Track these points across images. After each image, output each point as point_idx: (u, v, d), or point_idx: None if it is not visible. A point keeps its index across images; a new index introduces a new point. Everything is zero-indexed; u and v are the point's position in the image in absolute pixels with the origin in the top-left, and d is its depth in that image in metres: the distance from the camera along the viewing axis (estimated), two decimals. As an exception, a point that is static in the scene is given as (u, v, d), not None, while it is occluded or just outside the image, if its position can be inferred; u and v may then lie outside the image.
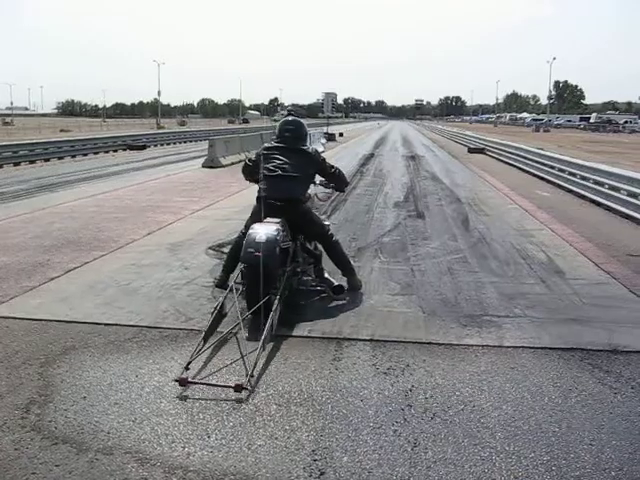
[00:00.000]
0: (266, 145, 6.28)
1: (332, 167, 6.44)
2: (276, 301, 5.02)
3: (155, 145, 38.30)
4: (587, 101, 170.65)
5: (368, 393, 4.00)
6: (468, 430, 3.56)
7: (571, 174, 15.59)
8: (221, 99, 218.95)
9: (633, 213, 11.09)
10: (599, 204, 12.85)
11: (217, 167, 20.05)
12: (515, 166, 22.30)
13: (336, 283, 6.08)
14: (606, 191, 12.77)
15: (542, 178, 18.03)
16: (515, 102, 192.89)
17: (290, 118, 6.48)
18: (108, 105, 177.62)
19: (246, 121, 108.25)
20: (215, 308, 5.07)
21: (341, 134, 50.12)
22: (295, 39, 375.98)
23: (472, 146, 34.05)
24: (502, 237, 9.22)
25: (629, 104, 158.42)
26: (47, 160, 25.09)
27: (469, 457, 3.27)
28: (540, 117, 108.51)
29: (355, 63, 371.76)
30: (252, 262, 5.04)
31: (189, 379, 4.06)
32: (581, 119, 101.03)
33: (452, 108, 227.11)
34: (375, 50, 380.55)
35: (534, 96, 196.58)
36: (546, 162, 18.47)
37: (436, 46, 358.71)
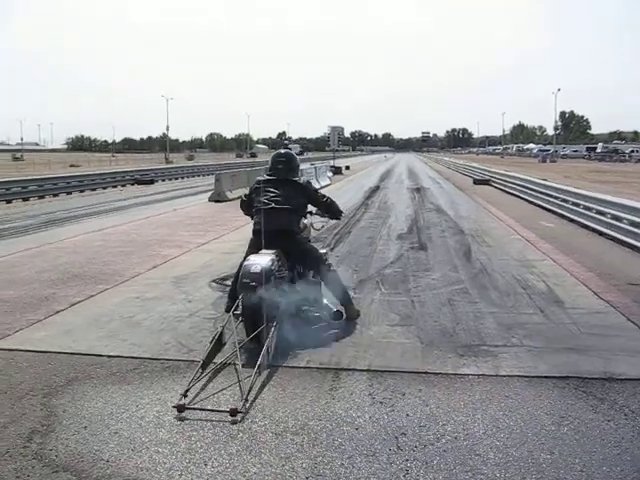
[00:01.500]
0: (258, 178, 6.51)
1: (324, 197, 6.71)
2: (273, 329, 5.19)
3: (163, 180, 38.71)
4: (593, 131, 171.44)
5: (363, 422, 4.08)
6: (460, 457, 3.62)
7: (574, 204, 15.68)
8: (229, 134, 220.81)
9: (635, 242, 11.14)
10: (602, 234, 12.90)
11: (223, 201, 20.27)
12: (520, 197, 22.41)
13: (335, 309, 6.25)
14: (609, 221, 12.83)
15: (546, 209, 18.11)
16: (522, 133, 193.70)
17: (282, 151, 6.87)
18: (117, 140, 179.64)
19: (254, 155, 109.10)
20: (213, 337, 5.22)
21: (347, 167, 50.45)
22: (302, 75, 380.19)
23: (477, 177, 34.25)
24: (503, 268, 9.29)
25: (635, 133, 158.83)
26: (56, 195, 25.41)
27: (460, 484, 3.34)
28: (547, 148, 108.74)
29: (362, 97, 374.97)
30: (248, 292, 5.24)
31: (186, 405, 4.17)
32: (587, 149, 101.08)
33: (459, 140, 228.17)
34: (381, 84, 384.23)
35: (540, 127, 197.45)
36: (550, 193, 18.59)
37: (441, 79, 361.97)
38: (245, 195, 6.74)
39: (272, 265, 5.47)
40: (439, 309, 6.95)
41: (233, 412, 4.08)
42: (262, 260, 5.49)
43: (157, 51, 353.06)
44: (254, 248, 5.94)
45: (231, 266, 8.84)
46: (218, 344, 5.23)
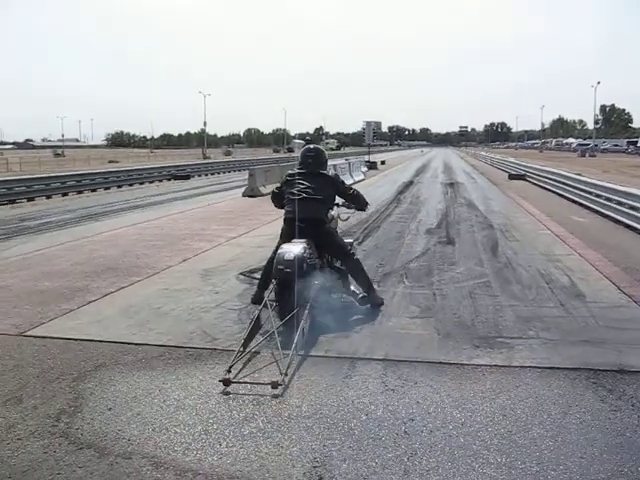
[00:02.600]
0: (289, 172, 6.99)
1: (350, 189, 7.10)
2: (306, 312, 5.61)
3: (199, 175, 39.20)
4: (636, 124, 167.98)
5: (374, 408, 4.24)
6: (464, 443, 3.76)
7: (607, 199, 15.61)
8: (267, 128, 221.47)
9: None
10: (634, 229, 12.84)
11: (257, 196, 20.53)
12: (554, 192, 22.29)
13: (361, 295, 6.68)
14: (640, 215, 12.78)
15: (580, 204, 18.04)
16: (561, 127, 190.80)
17: (311, 146, 7.23)
18: (156, 136, 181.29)
19: (291, 150, 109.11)
20: (252, 320, 5.55)
21: (383, 162, 50.50)
22: (339, 69, 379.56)
23: (513, 172, 34.08)
24: (529, 262, 9.34)
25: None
26: (94, 190, 25.99)
27: (461, 467, 3.48)
28: (586, 142, 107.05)
29: (400, 91, 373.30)
30: (283, 278, 5.71)
31: (231, 379, 4.62)
32: (628, 143, 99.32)
33: (497, 134, 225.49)
34: (420, 79, 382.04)
35: (581, 121, 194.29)
36: (583, 187, 18.51)
37: (482, 73, 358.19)
38: (277, 188, 7.10)
39: (304, 253, 5.88)
40: (460, 302, 7.06)
41: (274, 385, 4.50)
42: (295, 248, 5.93)
43: (198, 46, 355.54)
44: (286, 237, 6.40)
45: (259, 259, 9.08)
46: (256, 326, 5.58)
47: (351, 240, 7.60)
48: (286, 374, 4.68)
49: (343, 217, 7.69)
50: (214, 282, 7.97)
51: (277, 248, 6.24)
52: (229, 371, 4.72)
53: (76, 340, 5.65)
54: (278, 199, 7.02)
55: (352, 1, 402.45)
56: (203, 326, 6.09)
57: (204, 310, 6.67)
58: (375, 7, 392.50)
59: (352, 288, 6.78)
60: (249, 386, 4.60)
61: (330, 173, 7.08)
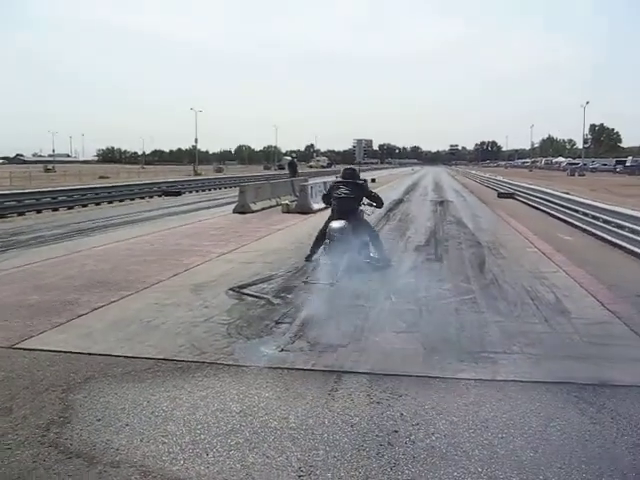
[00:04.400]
0: (334, 180, 11.86)
1: (372, 192, 10.83)
2: (346, 256, 9.09)
3: (190, 191, 39.23)
4: (624, 144, 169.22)
5: (359, 420, 4.33)
6: (447, 453, 3.85)
7: (594, 217, 15.77)
8: (258, 145, 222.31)
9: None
10: (619, 247, 12.97)
11: (247, 212, 20.59)
12: (542, 210, 22.47)
13: (378, 256, 10.50)
14: (626, 234, 12.91)
15: (567, 222, 18.19)
16: (551, 146, 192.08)
17: (349, 166, 12.92)
18: (147, 152, 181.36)
19: (282, 167, 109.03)
20: (312, 255, 10.48)
21: (373, 180, 50.56)
22: (331, 87, 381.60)
23: (502, 191, 34.32)
24: (515, 279, 9.45)
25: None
26: (85, 206, 25.97)
27: (442, 477, 3.57)
28: (576, 161, 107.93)
29: (391, 110, 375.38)
30: (334, 239, 9.08)
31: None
32: (616, 162, 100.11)
33: (488, 153, 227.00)
34: (411, 96, 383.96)
35: (570, 140, 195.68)
36: (570, 206, 18.68)
37: (472, 92, 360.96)
38: (327, 191, 10.91)
39: (345, 225, 9.40)
40: (446, 318, 7.15)
41: (331, 284, 8.38)
42: (340, 223, 9.45)
43: (188, 63, 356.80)
44: (331, 220, 9.86)
45: (249, 275, 9.24)
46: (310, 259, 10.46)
47: (373, 225, 11.97)
48: (337, 280, 8.53)
49: (367, 211, 10.90)
50: (204, 297, 8.04)
51: (324, 227, 9.95)
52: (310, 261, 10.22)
53: (65, 353, 5.71)
54: (327, 199, 10.75)
55: (341, 20, 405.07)
56: (192, 340, 6.16)
57: (193, 324, 6.74)
58: (365, 25, 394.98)
59: (371, 253, 10.47)
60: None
61: (359, 181, 10.82)
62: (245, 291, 8.38)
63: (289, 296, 8.12)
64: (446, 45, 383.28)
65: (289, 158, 56.06)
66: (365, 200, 10.51)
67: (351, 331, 6.51)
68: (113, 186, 33.56)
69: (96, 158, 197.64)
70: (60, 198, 25.52)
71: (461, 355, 5.79)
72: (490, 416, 4.43)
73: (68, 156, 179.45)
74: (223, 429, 4.16)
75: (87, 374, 5.19)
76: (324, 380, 5.12)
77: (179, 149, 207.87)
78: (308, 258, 10.52)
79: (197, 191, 40.63)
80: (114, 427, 4.15)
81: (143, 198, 31.66)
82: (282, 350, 5.88)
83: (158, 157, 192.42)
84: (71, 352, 5.72)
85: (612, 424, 4.35)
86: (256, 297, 8.06)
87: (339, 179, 10.77)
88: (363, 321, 6.93)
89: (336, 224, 9.39)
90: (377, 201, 10.67)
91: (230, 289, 8.51)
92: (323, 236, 9.66)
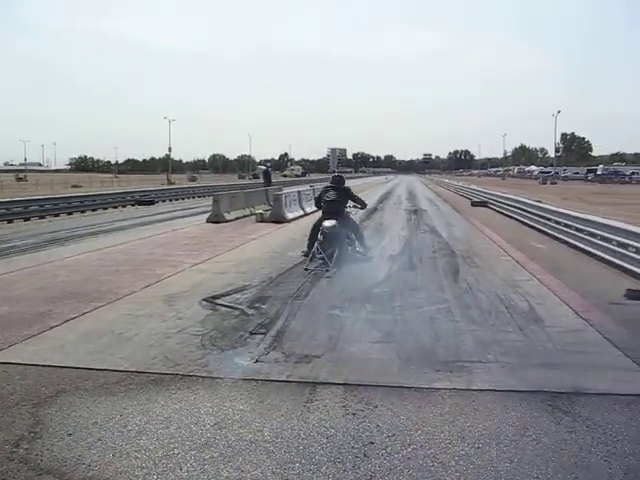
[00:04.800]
0: (324, 186, 13.47)
1: (356, 195, 13.11)
2: (337, 249, 11.33)
3: (164, 201, 38.93)
4: (595, 153, 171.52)
5: (334, 432, 4.30)
6: (423, 465, 3.84)
7: (567, 226, 15.91)
8: (232, 154, 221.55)
9: (622, 263, 11.34)
10: (592, 255, 13.08)
11: (221, 222, 20.47)
12: (515, 218, 22.63)
13: (362, 250, 12.57)
14: (598, 242, 13.02)
15: (540, 230, 18.32)
16: (523, 155, 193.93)
17: (336, 173, 17.38)
18: (120, 161, 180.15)
19: (256, 176, 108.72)
20: (310, 251, 11.76)
21: (348, 188, 50.57)
22: (305, 96, 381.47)
23: (475, 199, 34.57)
24: (489, 288, 9.49)
25: (636, 155, 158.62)
26: (57, 215, 25.64)
27: (419, 488, 3.55)
28: (547, 169, 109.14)
29: (365, 118, 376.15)
30: (327, 233, 11.43)
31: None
32: (588, 171, 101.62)
33: (461, 162, 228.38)
34: (384, 105, 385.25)
35: (542, 149, 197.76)
36: (543, 214, 18.83)
37: (444, 101, 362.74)
38: (318, 195, 13.45)
39: (335, 224, 11.64)
40: (420, 327, 7.15)
41: (328, 271, 10.51)
42: (331, 222, 11.69)
43: (164, 73, 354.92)
44: (322, 219, 12.02)
45: (222, 285, 9.17)
46: (308, 254, 11.78)
47: (358, 222, 14.36)
48: (332, 267, 10.79)
49: (352, 211, 13.28)
50: (177, 308, 7.97)
51: (317, 224, 12.12)
52: (306, 255, 11.81)
53: (37, 366, 5.61)
54: (318, 202, 13.25)
55: (316, 25, 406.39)
56: (165, 351, 6.09)
57: (167, 336, 6.67)
58: (342, 31, 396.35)
59: (357, 247, 12.55)
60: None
61: (345, 187, 13.02)
62: (219, 302, 8.32)
63: (263, 306, 8.07)
64: (422, 54, 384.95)
65: (264, 167, 55.93)
66: (350, 202, 12.75)
67: (326, 341, 6.49)
68: (86, 195, 33.19)
69: (68, 167, 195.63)
70: (32, 208, 25.16)
71: (436, 364, 5.79)
72: (466, 426, 4.43)
73: (40, 165, 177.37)
74: (197, 443, 4.10)
75: (58, 387, 5.10)
76: (299, 391, 5.08)
77: (152, 158, 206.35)
78: (306, 253, 12.07)
79: (171, 200, 40.34)
80: (86, 442, 4.07)
81: (116, 207, 31.35)
82: (257, 361, 5.84)
83: (131, 166, 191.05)
84: (42, 365, 5.63)
85: (587, 433, 4.37)
86: (230, 308, 8.00)
87: (329, 185, 12.96)
88: (338, 331, 6.91)
89: (328, 223, 11.58)
90: (361, 203, 13.13)
91: (204, 300, 8.44)
92: (315, 233, 11.78)
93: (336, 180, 13.12)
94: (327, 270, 10.68)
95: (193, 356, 5.92)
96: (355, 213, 13.44)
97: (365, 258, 12.27)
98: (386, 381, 5.34)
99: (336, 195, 12.32)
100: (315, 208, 30.41)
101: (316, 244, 11.43)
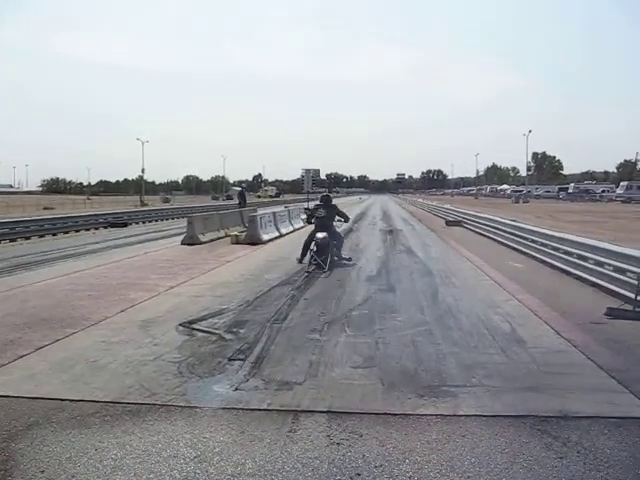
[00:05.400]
0: (315, 204, 16.76)
1: (341, 212, 16.17)
2: (329, 255, 14.16)
3: (137, 223, 38.59)
4: (566, 171, 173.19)
5: (319, 463, 4.15)
6: (413, 496, 3.69)
7: (542, 245, 15.95)
8: (205, 175, 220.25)
9: (599, 281, 11.35)
10: (569, 273, 13.10)
11: (196, 244, 20.24)
12: (490, 238, 22.68)
13: (347, 257, 15.57)
14: (575, 260, 13.04)
15: (516, 249, 18.34)
16: (495, 174, 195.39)
17: (325, 192, 19.94)
18: (93, 182, 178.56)
19: (230, 197, 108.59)
20: (303, 258, 14.83)
21: (322, 209, 50.56)
22: (279, 117, 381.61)
23: (450, 219, 34.64)
24: (469, 309, 9.41)
25: (606, 173, 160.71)
26: (28, 238, 25.24)
27: (410, 522, 3.40)
28: (520, 188, 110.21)
29: (338, 139, 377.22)
30: (320, 243, 14.28)
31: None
32: (559, 189, 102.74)
33: (434, 181, 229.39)
34: (356, 126, 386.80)
35: (514, 168, 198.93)
36: (518, 233, 18.88)
37: (419, 121, 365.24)
38: (310, 212, 16.76)
39: (326, 235, 14.37)
40: (402, 350, 7.03)
41: (324, 272, 13.32)
42: (322, 234, 14.39)
43: (137, 94, 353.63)
44: (315, 232, 14.71)
45: (198, 310, 9.00)
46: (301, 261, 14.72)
47: (342, 234, 17.04)
48: (328, 270, 13.50)
49: (338, 225, 16.04)
50: (153, 333, 7.76)
51: (309, 237, 14.91)
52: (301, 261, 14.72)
53: (7, 397, 5.38)
54: (309, 218, 16.57)
55: (291, 48, 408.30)
56: (141, 380, 5.89)
57: (142, 363, 6.47)
58: (311, 53, 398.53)
59: (342, 255, 15.42)
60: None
61: (332, 204, 16.07)
62: (195, 326, 8.14)
63: (241, 331, 7.90)
64: (391, 75, 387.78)
65: (239, 188, 55.90)
66: (336, 217, 15.80)
67: (306, 367, 6.35)
68: (58, 217, 32.84)
69: (40, 189, 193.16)
70: (1, 231, 24.76)
71: (420, 390, 5.66)
72: (455, 454, 4.30)
73: (11, 187, 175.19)
74: (177, 477, 3.92)
75: (30, 420, 4.88)
76: (281, 420, 4.92)
77: (125, 179, 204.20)
78: (300, 259, 14.89)
79: (144, 222, 40.01)
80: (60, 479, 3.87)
81: (89, 230, 30.98)
82: (236, 389, 5.67)
83: (104, 187, 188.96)
84: (12, 396, 5.40)
85: (578, 459, 4.27)
86: (207, 332, 7.82)
87: (319, 203, 16.19)
88: (319, 355, 6.77)
89: (320, 235, 14.46)
90: (345, 217, 16.38)
91: (180, 324, 8.25)
92: (308, 244, 14.79)
93: (324, 199, 16.14)
94: (323, 271, 13.48)
95: (170, 384, 5.74)
96: (340, 226, 16.50)
97: (348, 262, 15.22)
98: (370, 408, 5.20)
99: (326, 212, 15.44)
100: (292, 228, 32.49)
101: (311, 252, 14.46)
